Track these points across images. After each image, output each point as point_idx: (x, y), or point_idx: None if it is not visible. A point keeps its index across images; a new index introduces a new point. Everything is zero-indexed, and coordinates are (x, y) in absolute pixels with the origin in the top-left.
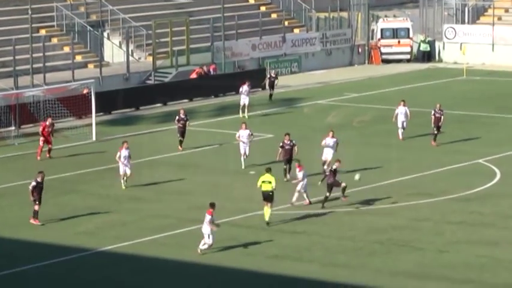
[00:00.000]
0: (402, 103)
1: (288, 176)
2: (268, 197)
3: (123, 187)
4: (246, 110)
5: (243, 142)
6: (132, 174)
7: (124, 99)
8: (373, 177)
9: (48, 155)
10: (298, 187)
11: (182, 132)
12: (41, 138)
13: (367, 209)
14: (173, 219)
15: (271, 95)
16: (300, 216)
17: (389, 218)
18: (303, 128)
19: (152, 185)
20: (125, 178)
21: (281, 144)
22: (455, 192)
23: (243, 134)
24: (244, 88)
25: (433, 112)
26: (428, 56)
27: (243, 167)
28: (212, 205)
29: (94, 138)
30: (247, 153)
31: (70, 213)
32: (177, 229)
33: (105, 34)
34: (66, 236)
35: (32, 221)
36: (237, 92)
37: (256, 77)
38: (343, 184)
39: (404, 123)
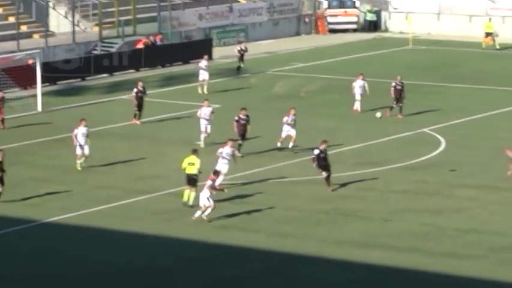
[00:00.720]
0: (361, 76)
1: (239, 152)
2: (191, 180)
3: (79, 168)
4: (205, 86)
5: (205, 119)
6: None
7: (70, 70)
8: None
9: (2, 125)
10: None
11: (139, 104)
12: None
13: (313, 178)
14: (119, 190)
15: (239, 67)
16: (246, 187)
17: (335, 187)
18: (251, 98)
19: (99, 156)
20: (82, 159)
21: (236, 118)
22: (400, 162)
23: (205, 111)
24: (203, 63)
25: (393, 84)
26: (374, 26)
27: (202, 145)
28: (216, 173)
29: (40, 109)
30: (208, 131)
31: (16, 184)
32: (123, 200)
33: (51, 4)
34: (12, 208)
35: None
36: (184, 62)
37: (203, 47)
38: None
39: (359, 96)
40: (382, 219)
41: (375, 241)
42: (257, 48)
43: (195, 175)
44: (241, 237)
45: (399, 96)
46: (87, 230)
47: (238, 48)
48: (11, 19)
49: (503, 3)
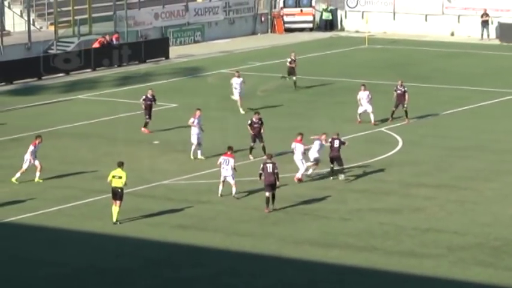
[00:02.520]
0: (363, 87)
1: (251, 156)
2: (117, 193)
3: (37, 180)
4: (240, 108)
5: (198, 128)
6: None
7: (26, 69)
8: (278, 146)
9: None
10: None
11: (149, 113)
12: None
13: None
14: (78, 190)
15: (285, 77)
16: (204, 186)
17: (293, 187)
18: (207, 98)
19: (56, 156)
20: (38, 173)
21: (250, 122)
22: (358, 161)
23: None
24: (235, 80)
25: (394, 89)
26: (330, 25)
27: (201, 157)
28: (231, 148)
29: None
30: (200, 142)
31: None
32: (81, 200)
33: (6, 3)
34: None
35: None
36: (140, 62)
37: (159, 46)
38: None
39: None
40: (341, 218)
41: (334, 240)
42: (213, 48)
43: (120, 188)
44: (199, 237)
45: (402, 101)
46: (44, 230)
47: (289, 60)
48: None
49: (459, 3)
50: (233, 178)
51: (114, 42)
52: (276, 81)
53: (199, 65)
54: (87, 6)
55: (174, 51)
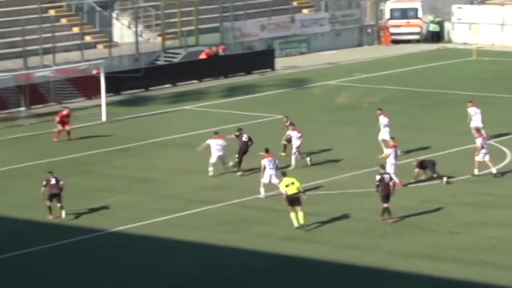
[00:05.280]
0: (470, 104)
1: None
2: (295, 200)
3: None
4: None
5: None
6: None
7: (133, 80)
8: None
9: (68, 137)
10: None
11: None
12: (58, 125)
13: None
14: (184, 200)
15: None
16: (311, 198)
17: (400, 200)
18: (313, 109)
19: (162, 166)
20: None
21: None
22: (465, 174)
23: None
24: (383, 120)
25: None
26: (437, 37)
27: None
28: (268, 149)
29: (104, 119)
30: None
31: (81, 194)
32: (188, 210)
33: (114, 14)
34: (79, 217)
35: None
36: (247, 73)
37: (265, 58)
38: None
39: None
40: (448, 231)
41: (442, 254)
42: (319, 59)
43: (298, 193)
44: (306, 249)
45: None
46: (151, 239)
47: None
48: (75, 29)
49: None
50: (277, 178)
51: (221, 53)
52: (382, 92)
53: (305, 76)
54: (194, 17)
55: (280, 62)
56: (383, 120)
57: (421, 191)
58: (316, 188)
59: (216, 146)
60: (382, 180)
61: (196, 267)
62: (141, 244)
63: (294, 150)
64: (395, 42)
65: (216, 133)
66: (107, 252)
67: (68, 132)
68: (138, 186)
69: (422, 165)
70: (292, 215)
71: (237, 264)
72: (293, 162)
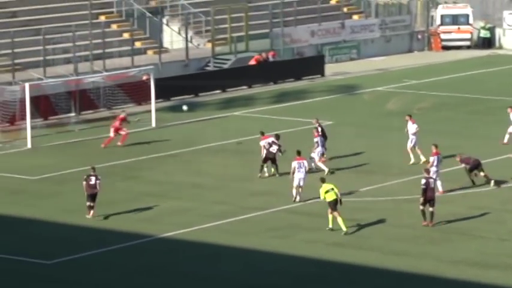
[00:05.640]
0: (510, 109)
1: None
2: (335, 204)
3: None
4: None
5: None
6: None
7: (183, 86)
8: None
9: (121, 143)
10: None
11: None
12: (113, 130)
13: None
14: (233, 206)
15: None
16: (358, 205)
17: (449, 206)
18: (363, 115)
19: (211, 172)
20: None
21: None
22: None
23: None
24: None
25: None
26: (488, 43)
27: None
28: (299, 152)
29: (154, 125)
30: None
31: (131, 199)
32: (237, 216)
33: (164, 20)
34: (127, 222)
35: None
36: (296, 79)
37: (315, 64)
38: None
39: None
40: (498, 238)
41: (492, 261)
42: (369, 65)
43: (336, 199)
44: (355, 255)
45: None
46: (201, 245)
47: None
48: (126, 35)
49: None
50: (304, 181)
51: (271, 59)
52: (432, 98)
53: (354, 82)
54: (243, 23)
55: (329, 68)
56: (411, 127)
57: (469, 197)
58: (363, 194)
59: (267, 145)
60: (427, 184)
61: (243, 273)
62: (189, 250)
63: (317, 156)
64: (446, 48)
65: (262, 133)
66: (155, 257)
67: (123, 138)
68: (187, 192)
69: (467, 162)
70: (330, 216)
71: (286, 270)
72: (324, 167)
